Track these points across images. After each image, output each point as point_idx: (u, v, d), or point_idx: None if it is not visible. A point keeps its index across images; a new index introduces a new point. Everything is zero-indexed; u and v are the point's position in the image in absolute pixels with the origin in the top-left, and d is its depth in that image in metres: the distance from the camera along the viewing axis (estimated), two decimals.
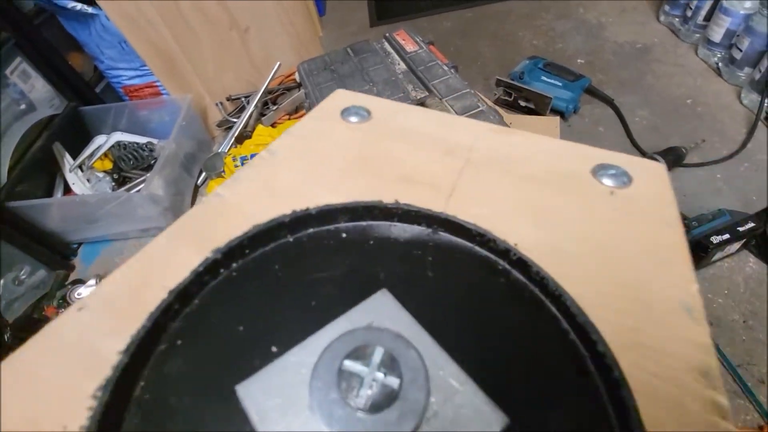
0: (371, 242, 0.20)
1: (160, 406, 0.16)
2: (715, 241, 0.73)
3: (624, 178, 0.23)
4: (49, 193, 1.15)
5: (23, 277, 1.00)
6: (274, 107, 1.25)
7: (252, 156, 0.93)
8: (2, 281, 0.96)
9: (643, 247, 0.19)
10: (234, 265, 0.20)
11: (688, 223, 0.78)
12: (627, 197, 0.22)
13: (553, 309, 0.17)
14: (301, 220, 0.21)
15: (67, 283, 1.03)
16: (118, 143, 1.22)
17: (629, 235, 0.20)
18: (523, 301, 0.18)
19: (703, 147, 1.01)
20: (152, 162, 1.20)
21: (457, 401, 0.15)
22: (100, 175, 1.19)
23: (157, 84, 1.25)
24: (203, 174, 1.18)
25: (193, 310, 0.18)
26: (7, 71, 1.06)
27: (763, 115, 1.02)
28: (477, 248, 0.20)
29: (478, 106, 0.70)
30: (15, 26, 1.06)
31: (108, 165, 1.21)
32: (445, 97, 0.73)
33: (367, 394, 0.14)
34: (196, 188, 1.18)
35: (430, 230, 0.21)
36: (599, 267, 0.18)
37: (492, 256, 0.19)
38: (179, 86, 1.26)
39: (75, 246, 1.13)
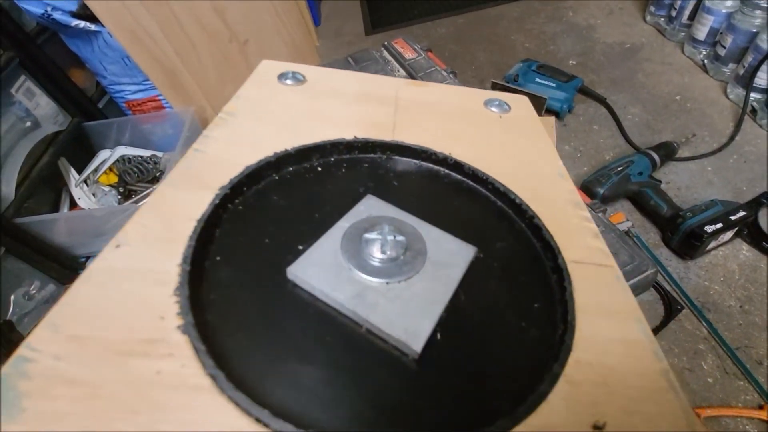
0: (343, 170, 0.26)
1: (224, 298, 0.19)
2: (709, 231, 0.76)
3: (505, 106, 0.33)
4: (56, 209, 1.16)
5: (33, 291, 1.01)
6: None
7: None
8: (12, 297, 0.98)
9: (525, 145, 0.29)
10: (237, 200, 0.23)
11: (683, 214, 0.81)
12: (509, 118, 0.32)
13: (483, 190, 0.26)
14: (282, 159, 0.25)
15: None
16: (123, 157, 1.24)
17: (517, 140, 0.30)
18: (462, 189, 0.26)
19: (694, 141, 1.05)
20: (157, 174, 1.22)
21: (444, 245, 0.21)
22: (106, 189, 1.20)
23: (160, 98, 1.28)
24: None
25: (223, 233, 0.22)
26: (12, 90, 1.08)
27: (749, 108, 1.06)
28: (423, 162, 0.27)
29: None
30: (19, 45, 1.08)
31: (113, 179, 1.23)
32: None
33: (387, 249, 0.20)
34: None
35: (385, 155, 0.27)
36: (504, 160, 0.28)
37: (435, 166, 0.27)
38: (181, 99, 1.29)
39: (83, 260, 1.14)
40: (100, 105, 1.32)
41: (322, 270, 0.19)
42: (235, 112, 0.28)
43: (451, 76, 0.83)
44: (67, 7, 1.06)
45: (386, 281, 0.19)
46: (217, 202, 0.21)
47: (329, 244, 0.20)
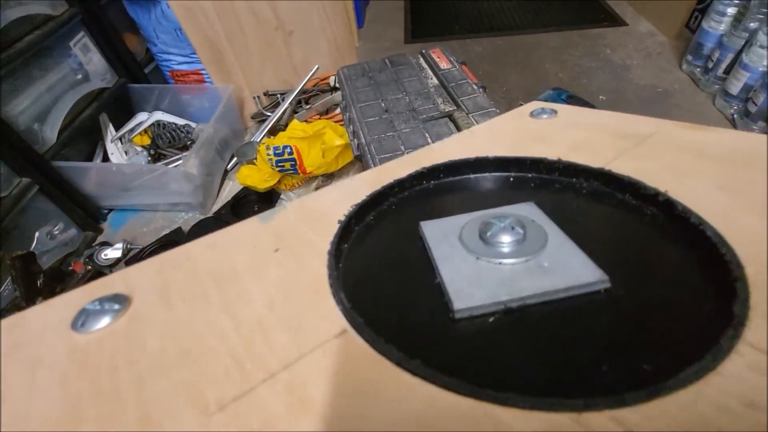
0: (533, 184, 0.28)
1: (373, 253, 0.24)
2: None
3: None
4: (90, 159, 1.23)
5: (56, 232, 1.07)
6: (307, 106, 1.33)
7: (284, 147, 1.00)
8: (37, 234, 1.03)
9: None
10: (432, 182, 0.29)
11: None
12: None
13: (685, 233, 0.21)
14: (480, 161, 0.29)
15: (94, 243, 1.09)
16: (158, 122, 1.30)
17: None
18: (668, 234, 0.22)
19: None
20: (188, 143, 1.28)
21: (565, 252, 0.20)
22: (138, 149, 1.27)
23: (203, 72, 1.34)
24: (234, 159, 1.25)
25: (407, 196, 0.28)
26: (71, 43, 1.15)
27: None
28: (618, 194, 0.26)
29: None
30: (83, 3, 1.16)
31: (146, 141, 1.29)
32: (471, 113, 0.79)
33: (499, 233, 0.21)
34: (226, 172, 1.25)
35: (582, 179, 0.27)
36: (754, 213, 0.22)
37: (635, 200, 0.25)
38: (223, 77, 1.35)
39: (106, 211, 1.20)
40: (147, 70, 1.40)
41: (438, 233, 0.24)
42: (476, 130, 0.32)
43: (480, 90, 0.86)
44: None
45: (475, 257, 0.21)
46: (412, 174, 0.28)
47: (458, 220, 0.24)
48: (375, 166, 0.75)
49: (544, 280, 0.19)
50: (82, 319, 0.20)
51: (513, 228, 0.21)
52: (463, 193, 0.28)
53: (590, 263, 0.19)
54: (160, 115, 1.31)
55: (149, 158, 1.26)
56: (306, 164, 1.03)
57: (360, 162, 0.79)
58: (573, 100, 1.24)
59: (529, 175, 0.27)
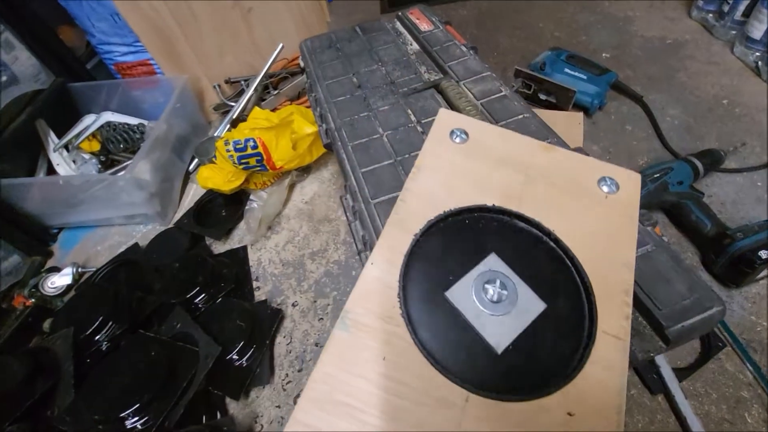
0: (480, 224, 0.35)
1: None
2: (763, 256, 0.64)
3: (614, 187, 0.36)
4: (31, 174, 1.07)
5: None
6: (275, 92, 1.17)
7: (246, 140, 0.85)
8: None
9: (613, 231, 0.33)
10: (450, 218, 0.35)
11: (731, 234, 0.69)
12: (613, 200, 0.35)
13: (568, 262, 0.32)
14: (448, 215, 0.35)
15: (42, 270, 0.95)
16: (108, 123, 1.14)
17: (609, 225, 0.33)
18: (555, 257, 0.33)
19: (742, 151, 0.92)
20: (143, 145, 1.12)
21: (527, 297, 0.31)
22: (87, 156, 1.11)
23: (152, 62, 1.18)
24: (195, 160, 1.10)
25: (425, 239, 0.34)
26: None
27: None
28: (533, 229, 0.34)
29: (501, 91, 0.62)
30: None
31: (96, 146, 1.13)
32: (462, 80, 0.65)
33: (495, 296, 0.31)
34: (188, 174, 1.10)
35: (510, 219, 0.35)
36: (592, 242, 0.33)
37: (541, 234, 0.34)
38: (175, 66, 1.19)
39: (56, 231, 1.06)
40: (90, 66, 1.23)
41: (463, 297, 0.31)
42: (421, 165, 0.37)
43: (471, 52, 0.71)
44: None
45: (491, 314, 0.30)
46: (414, 243, 0.33)
47: (467, 282, 0.32)
48: (346, 155, 0.61)
49: (519, 322, 0.30)
50: None
51: (501, 289, 0.31)
52: (444, 240, 0.35)
53: (537, 298, 0.31)
54: (109, 116, 1.15)
55: (100, 166, 1.11)
56: (275, 158, 0.88)
57: (332, 151, 0.64)
58: (574, 59, 1.09)
59: (476, 215, 0.36)
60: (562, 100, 1.01)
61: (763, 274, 0.68)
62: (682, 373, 0.63)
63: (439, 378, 0.26)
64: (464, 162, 0.37)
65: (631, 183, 0.36)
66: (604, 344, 0.27)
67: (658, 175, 0.81)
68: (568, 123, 0.98)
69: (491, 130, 0.40)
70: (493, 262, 0.32)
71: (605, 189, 0.35)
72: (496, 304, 0.30)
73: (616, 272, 0.31)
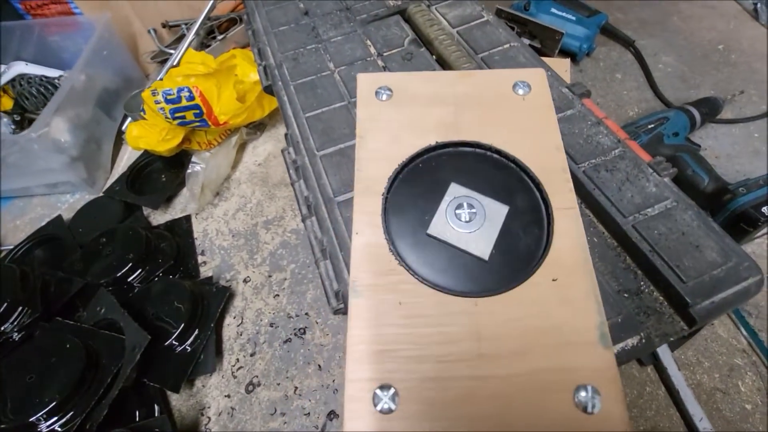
0: (433, 163, 0.38)
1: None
2: (767, 213, 0.57)
3: (526, 88, 0.39)
4: None
5: None
6: (221, 37, 1.01)
7: (179, 89, 0.71)
8: None
9: (537, 122, 0.38)
10: (406, 168, 0.38)
11: (733, 189, 0.62)
12: (529, 99, 0.40)
13: (513, 165, 0.37)
14: (404, 165, 0.38)
15: None
16: (22, 76, 0.96)
17: (530, 120, 0.38)
18: (503, 166, 0.37)
19: (739, 100, 0.84)
20: None
21: (492, 208, 0.35)
22: None
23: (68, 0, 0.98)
24: (129, 119, 0.95)
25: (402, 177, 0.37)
26: None
27: None
28: (478, 150, 0.38)
29: (482, 16, 0.50)
30: None
31: (8, 104, 0.96)
32: (434, 4, 0.52)
33: (467, 216, 0.34)
34: (120, 135, 0.95)
35: (457, 149, 0.38)
36: (523, 138, 0.38)
37: (486, 152, 0.38)
38: (98, 4, 1.00)
39: None
40: None
41: (445, 228, 0.35)
42: (362, 133, 0.39)
43: None
44: None
45: (469, 232, 0.34)
46: (384, 201, 0.36)
47: (442, 214, 0.35)
48: (287, 96, 0.49)
49: (493, 228, 0.34)
50: None
51: (470, 209, 0.35)
52: (413, 181, 0.38)
53: (499, 204, 0.36)
54: (22, 67, 0.97)
55: (14, 127, 0.94)
56: (216, 112, 0.75)
57: (273, 95, 0.52)
58: None
59: (426, 156, 0.38)
60: (548, 44, 0.90)
61: (762, 232, 0.61)
62: (674, 343, 0.57)
63: (448, 299, 0.30)
64: (398, 115, 0.39)
65: (538, 78, 0.39)
66: (561, 218, 0.33)
67: (652, 125, 0.72)
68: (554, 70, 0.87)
69: (411, 77, 0.42)
70: (455, 190, 0.36)
71: (520, 92, 0.39)
72: (470, 223, 0.34)
73: (551, 156, 0.36)
